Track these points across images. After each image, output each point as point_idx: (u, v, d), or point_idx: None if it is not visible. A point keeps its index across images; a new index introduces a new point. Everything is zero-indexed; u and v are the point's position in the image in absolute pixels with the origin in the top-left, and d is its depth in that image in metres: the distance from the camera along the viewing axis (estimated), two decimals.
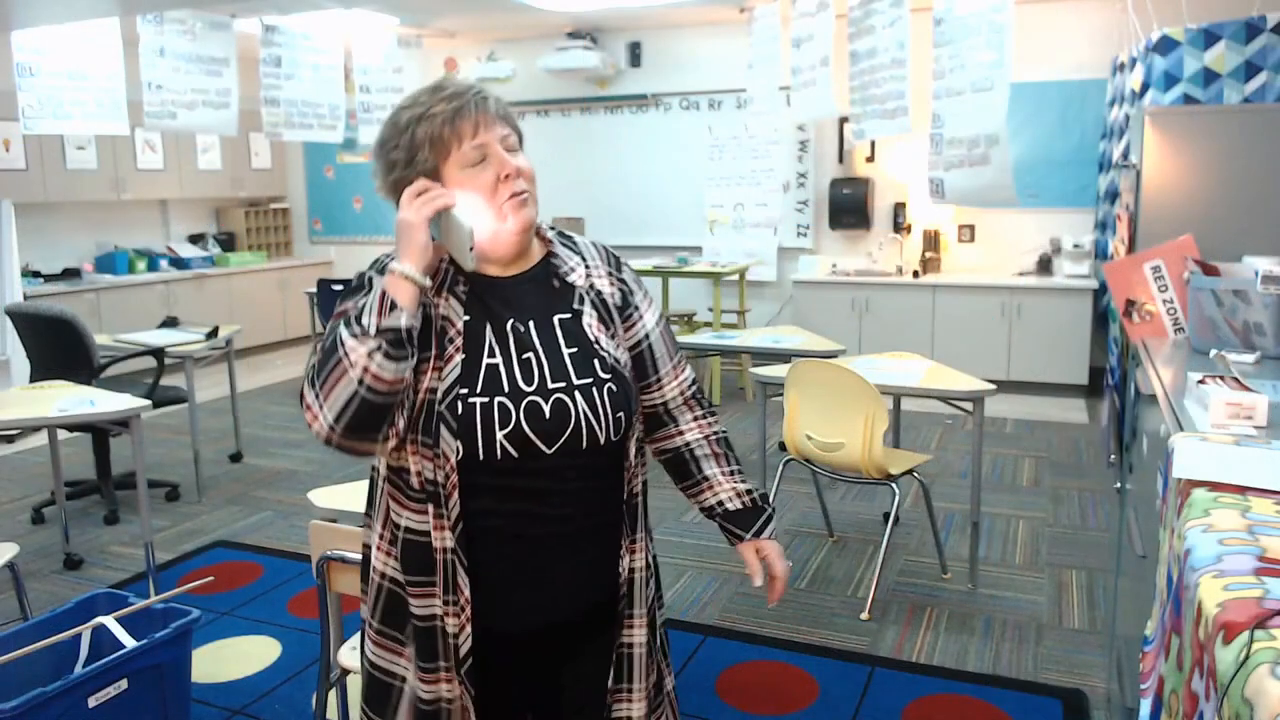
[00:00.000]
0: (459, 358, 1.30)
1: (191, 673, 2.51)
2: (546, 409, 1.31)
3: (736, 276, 7.09)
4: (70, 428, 4.00)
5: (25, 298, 6.19)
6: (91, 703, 2.14)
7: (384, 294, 1.24)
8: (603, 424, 1.34)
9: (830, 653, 3.06)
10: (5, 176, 6.60)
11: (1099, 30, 6.29)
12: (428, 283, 1.29)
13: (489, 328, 1.34)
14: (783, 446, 3.72)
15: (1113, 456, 4.48)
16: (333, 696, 2.35)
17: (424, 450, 1.29)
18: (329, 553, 2.08)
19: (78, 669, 2.29)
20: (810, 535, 4.08)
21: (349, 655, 2.18)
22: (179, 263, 8.00)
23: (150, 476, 4.33)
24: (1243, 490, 1.33)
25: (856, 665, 2.98)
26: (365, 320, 1.23)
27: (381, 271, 1.33)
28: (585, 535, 1.38)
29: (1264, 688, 0.83)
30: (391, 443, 1.28)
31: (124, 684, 2.21)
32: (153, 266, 7.77)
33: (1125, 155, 4.31)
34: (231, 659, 3.07)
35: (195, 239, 8.49)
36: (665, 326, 1.54)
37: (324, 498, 2.43)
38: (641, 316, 1.49)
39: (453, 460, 1.27)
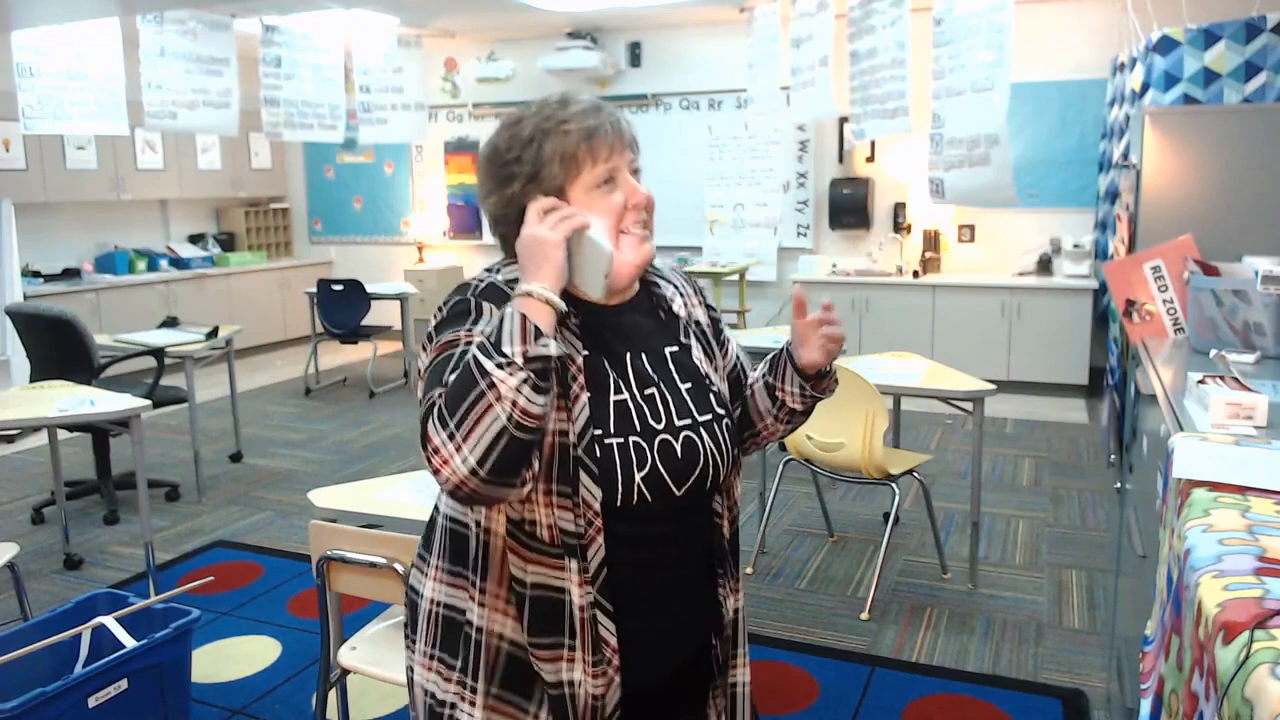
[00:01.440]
0: (585, 396, 1.22)
1: (191, 673, 2.51)
2: (678, 447, 1.25)
3: (736, 276, 7.09)
4: (70, 428, 4.00)
5: (25, 298, 6.19)
6: (91, 703, 2.14)
7: (525, 318, 1.10)
8: (724, 460, 1.30)
9: (830, 653, 3.06)
10: (5, 176, 6.60)
11: (1099, 30, 6.29)
12: (564, 307, 1.17)
13: (607, 362, 1.26)
14: (783, 446, 3.72)
15: (1113, 456, 4.48)
16: (333, 696, 2.35)
17: (560, 500, 1.19)
18: (329, 553, 2.08)
19: (78, 669, 2.29)
20: (810, 535, 4.08)
21: (349, 655, 2.18)
22: (179, 263, 8.00)
23: (150, 476, 4.33)
24: (1243, 490, 1.33)
25: (856, 665, 2.98)
26: (508, 349, 1.08)
27: (490, 296, 1.23)
28: (697, 578, 1.34)
29: (1264, 687, 0.83)
30: (528, 487, 1.15)
31: (124, 684, 2.21)
32: (153, 266, 7.77)
33: (1125, 155, 4.30)
34: (231, 659, 3.07)
35: (195, 239, 8.49)
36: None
37: (324, 498, 2.43)
38: (729, 340, 1.46)
39: (595, 507, 1.19)
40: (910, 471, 3.45)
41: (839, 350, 1.38)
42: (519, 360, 1.08)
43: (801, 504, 4.42)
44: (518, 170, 1.25)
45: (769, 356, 1.45)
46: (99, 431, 4.35)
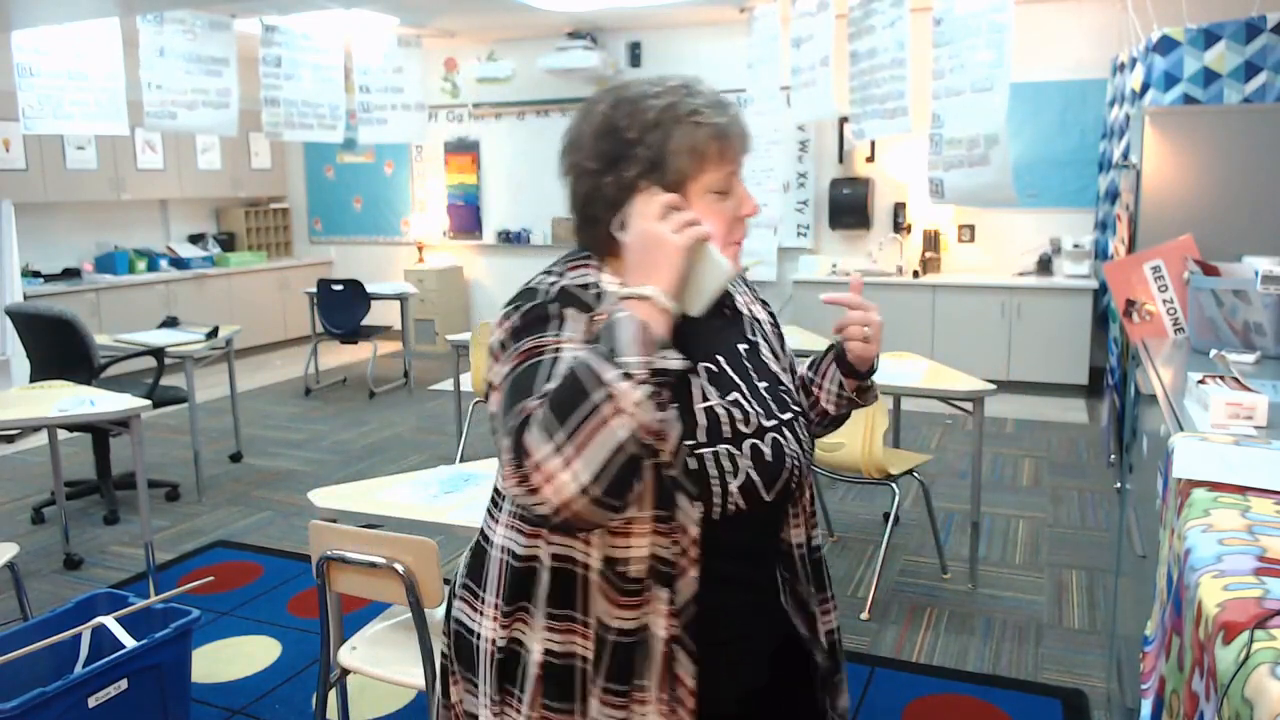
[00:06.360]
0: (672, 410, 1.12)
1: (191, 673, 2.51)
2: (767, 451, 1.17)
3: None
4: (70, 428, 4.00)
5: (25, 298, 6.19)
6: (91, 703, 2.14)
7: (645, 326, 1.01)
8: (806, 458, 1.23)
9: None
10: (5, 176, 6.60)
11: (1099, 30, 6.29)
12: (674, 316, 1.07)
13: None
14: None
15: (1113, 456, 4.48)
16: (333, 696, 2.35)
17: (659, 525, 1.11)
18: (329, 553, 2.07)
19: (78, 669, 2.29)
20: None
21: (349, 655, 2.18)
22: (179, 263, 8.00)
23: (150, 476, 4.32)
24: (1243, 490, 1.33)
25: (856, 665, 2.98)
26: (628, 358, 0.99)
27: (569, 302, 1.12)
28: (773, 593, 1.26)
29: (1264, 687, 0.83)
30: (628, 510, 1.05)
31: (124, 684, 2.21)
32: (153, 266, 7.77)
33: (1125, 155, 4.31)
34: (231, 659, 3.07)
35: (195, 239, 8.49)
36: None
37: (324, 498, 2.43)
38: (783, 334, 1.40)
39: (692, 532, 1.11)
40: (910, 471, 3.45)
41: (873, 338, 1.34)
42: (642, 372, 0.98)
43: None
44: (638, 153, 1.13)
45: (814, 357, 1.43)
46: (99, 431, 4.35)
